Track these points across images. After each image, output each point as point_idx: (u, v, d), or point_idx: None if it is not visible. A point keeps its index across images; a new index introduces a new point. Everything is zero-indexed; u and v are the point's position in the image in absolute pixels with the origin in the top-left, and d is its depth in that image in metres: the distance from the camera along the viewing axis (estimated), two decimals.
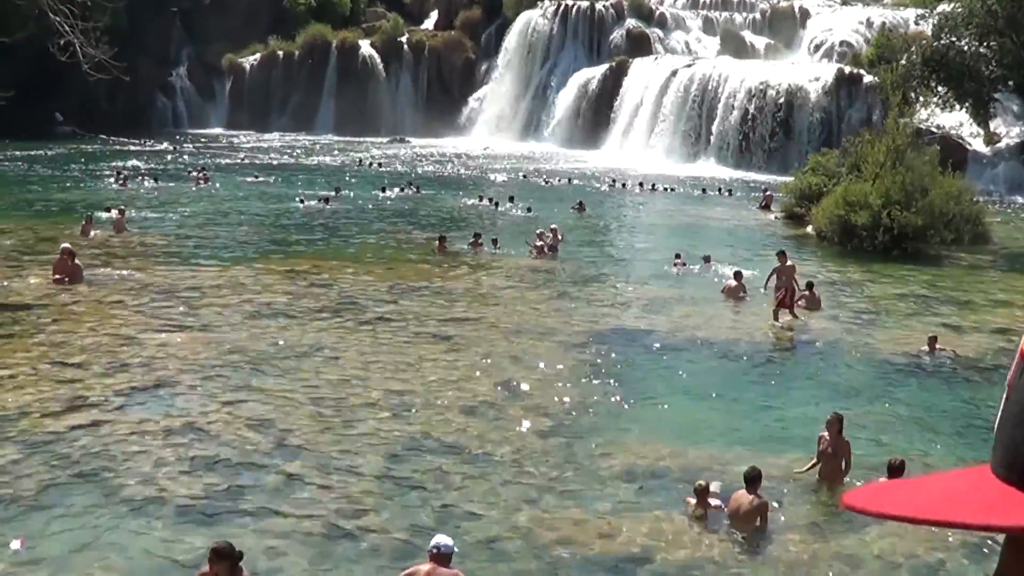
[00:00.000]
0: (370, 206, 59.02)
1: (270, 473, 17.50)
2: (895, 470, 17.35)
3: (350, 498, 16.58)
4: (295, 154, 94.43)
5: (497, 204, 59.09)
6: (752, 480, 16.01)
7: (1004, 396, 1.14)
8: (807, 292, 32.65)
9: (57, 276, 32.32)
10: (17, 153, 78.44)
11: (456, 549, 13.24)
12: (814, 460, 18.03)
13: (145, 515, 15.67)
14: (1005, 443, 1.11)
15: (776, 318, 30.37)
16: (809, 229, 51.86)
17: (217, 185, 64.53)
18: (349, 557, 14.66)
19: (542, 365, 24.81)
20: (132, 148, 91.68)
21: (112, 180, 65.81)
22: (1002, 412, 1.13)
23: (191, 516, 15.68)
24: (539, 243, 41.87)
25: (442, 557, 12.82)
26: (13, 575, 13.58)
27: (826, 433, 18.03)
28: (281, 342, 26.09)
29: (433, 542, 13.07)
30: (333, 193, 60.68)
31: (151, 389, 21.96)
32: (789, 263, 32.33)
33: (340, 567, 14.33)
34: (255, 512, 15.94)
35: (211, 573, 11.82)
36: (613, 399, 22.60)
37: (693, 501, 16.58)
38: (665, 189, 72.63)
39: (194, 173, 69.13)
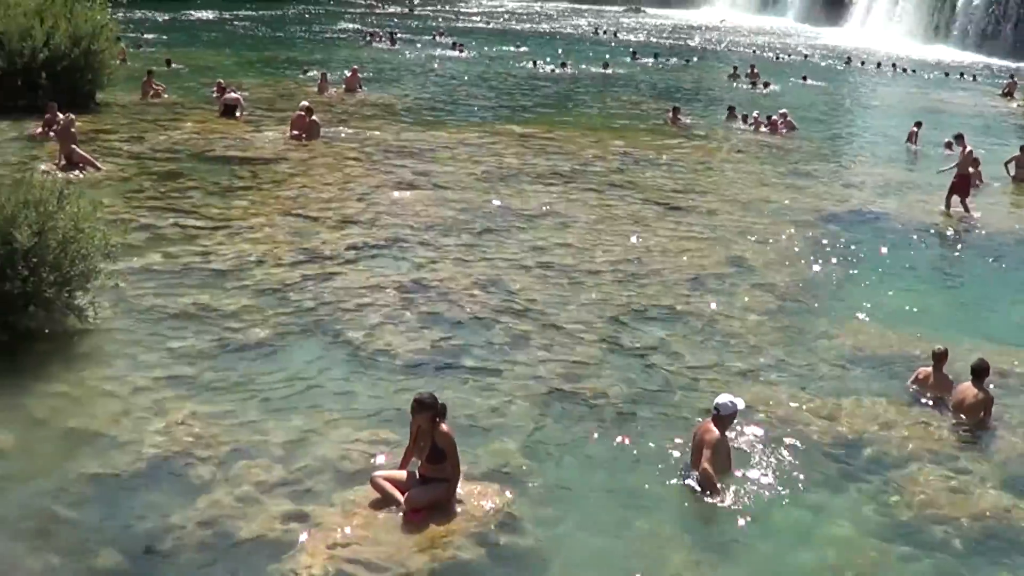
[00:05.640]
0: (604, 74, 58.76)
1: (495, 332, 17.62)
2: None
3: (572, 361, 16.60)
4: (532, 20, 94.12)
5: (738, 77, 58.46)
6: (979, 372, 15.45)
7: None
8: None
9: (295, 132, 33.05)
10: (253, 13, 79.97)
11: (740, 407, 13.24)
12: None
13: (372, 366, 15.97)
14: None
15: (947, 206, 29.15)
16: None
17: (463, 53, 64.74)
18: (568, 419, 14.67)
19: (770, 241, 24.40)
20: (364, 11, 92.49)
21: (384, 41, 67.05)
22: None
23: (416, 369, 15.91)
24: (774, 117, 41.20)
25: (719, 418, 12.91)
26: (240, 415, 14.01)
27: None
28: (511, 204, 26.21)
29: (715, 401, 13.19)
30: (607, 61, 60.55)
31: (382, 245, 22.32)
32: (968, 149, 30.37)
33: (558, 428, 14.36)
34: (479, 369, 16.10)
35: (414, 423, 12.01)
36: (841, 281, 22.07)
37: (928, 370, 16.13)
38: (904, 71, 70.51)
39: (445, 39, 69.63)
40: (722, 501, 12.49)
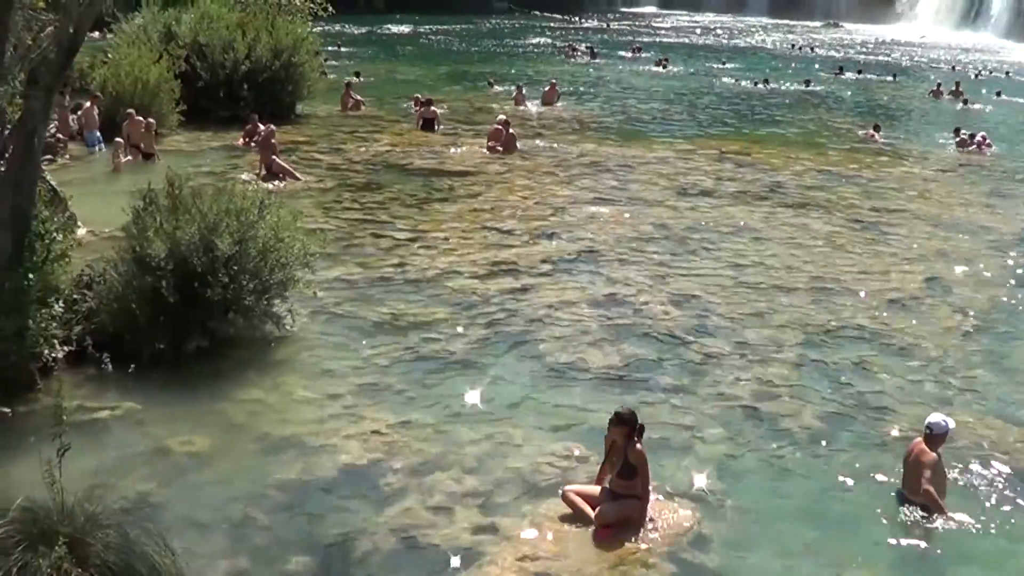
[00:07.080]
0: (806, 90, 58.08)
1: (688, 349, 17.40)
2: None
3: (766, 381, 16.28)
4: (728, 35, 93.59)
5: (941, 94, 57.22)
6: None
7: None
8: None
9: (491, 144, 33.27)
10: (449, 27, 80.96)
11: (951, 425, 12.78)
12: None
13: (565, 380, 15.91)
14: None
15: None
16: None
17: (665, 69, 64.62)
18: (761, 439, 14.36)
19: (971, 263, 23.63)
20: (561, 25, 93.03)
21: (584, 56, 67.92)
22: None
23: (609, 385, 15.78)
24: (977, 136, 40.08)
25: (932, 438, 12.51)
26: (433, 425, 14.06)
27: None
28: (707, 221, 25.96)
29: (927, 420, 12.76)
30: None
31: (576, 259, 22.31)
32: None
33: (751, 448, 14.07)
34: (671, 387, 15.89)
35: (610, 437, 11.92)
36: None
37: None
38: None
39: (647, 54, 69.85)
40: (931, 525, 12.09)
